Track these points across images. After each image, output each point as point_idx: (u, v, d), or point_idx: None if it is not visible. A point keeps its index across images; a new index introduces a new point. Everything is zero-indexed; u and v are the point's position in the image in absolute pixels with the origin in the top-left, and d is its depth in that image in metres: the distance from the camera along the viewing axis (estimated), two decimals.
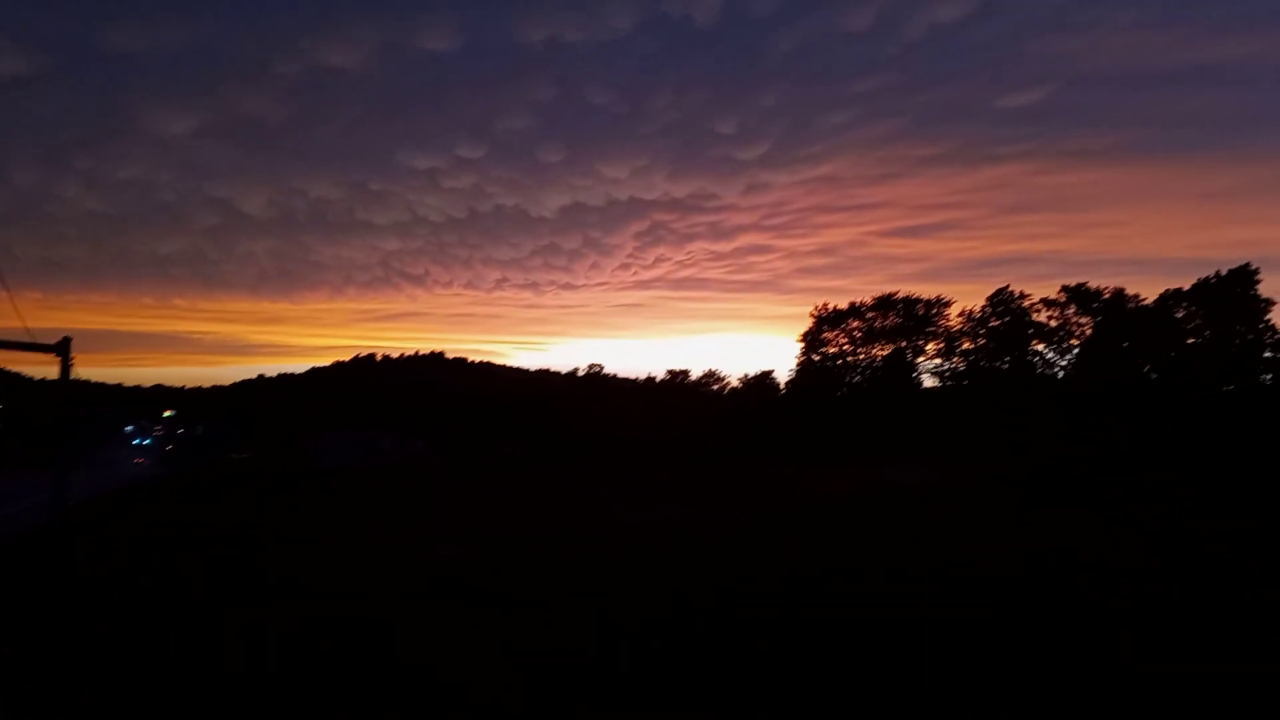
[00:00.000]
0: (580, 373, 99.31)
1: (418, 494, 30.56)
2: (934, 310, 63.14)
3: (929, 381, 62.55)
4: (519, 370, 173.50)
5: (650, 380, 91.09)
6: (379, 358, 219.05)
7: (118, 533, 20.98)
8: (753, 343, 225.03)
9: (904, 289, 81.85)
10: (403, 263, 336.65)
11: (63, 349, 22.05)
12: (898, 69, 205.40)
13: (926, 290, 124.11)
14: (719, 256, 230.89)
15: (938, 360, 61.93)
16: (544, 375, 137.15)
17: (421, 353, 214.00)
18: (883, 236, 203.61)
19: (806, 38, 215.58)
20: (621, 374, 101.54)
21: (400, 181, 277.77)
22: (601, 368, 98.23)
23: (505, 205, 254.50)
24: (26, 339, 22.07)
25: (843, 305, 66.41)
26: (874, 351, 64.39)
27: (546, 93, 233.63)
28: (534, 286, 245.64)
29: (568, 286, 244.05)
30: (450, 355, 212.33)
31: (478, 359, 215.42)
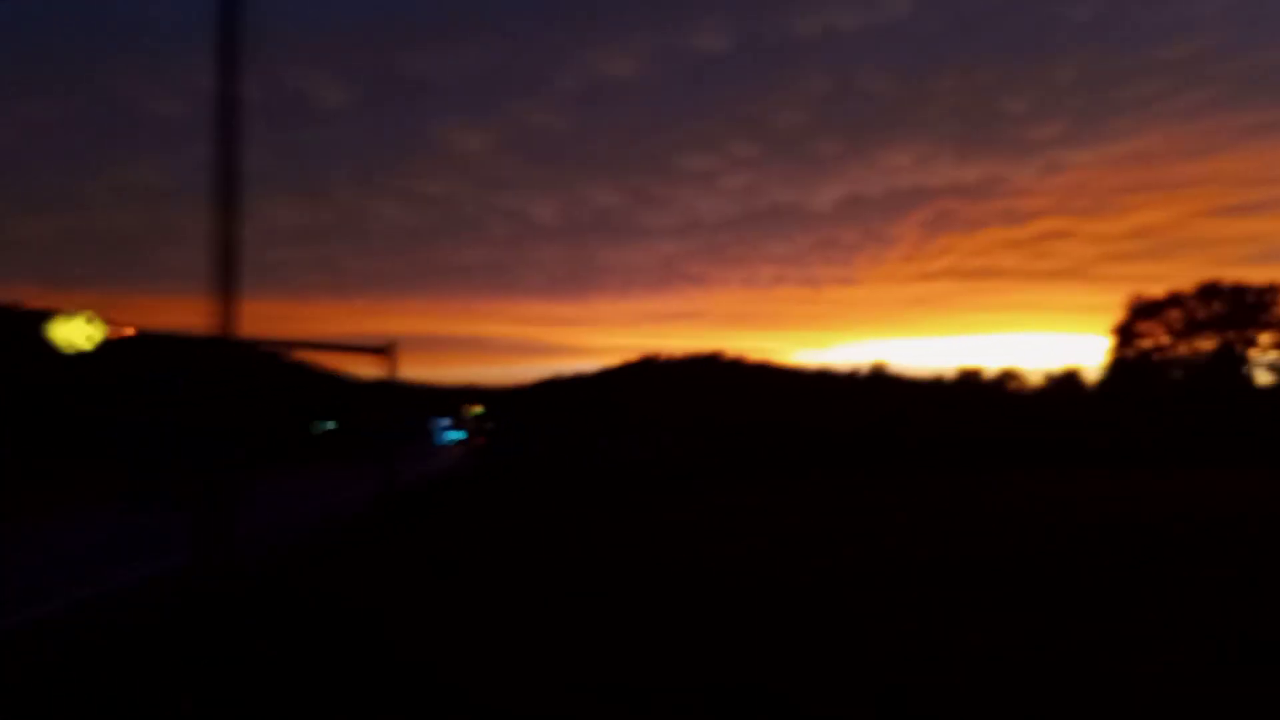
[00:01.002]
0: (861, 372, 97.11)
1: (715, 495, 30.74)
2: (1267, 298, 55.84)
3: (1264, 378, 55.16)
4: (796, 369, 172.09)
5: (939, 380, 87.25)
6: (660, 358, 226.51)
7: (451, 515, 23.14)
8: (1053, 338, 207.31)
9: (1230, 275, 73.73)
10: (682, 264, 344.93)
11: (388, 351, 24.82)
12: (1213, 30, 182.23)
13: (1257, 276, 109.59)
14: (1014, 243, 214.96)
15: (1275, 354, 54.62)
16: (822, 375, 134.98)
17: (700, 353, 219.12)
18: (1203, 217, 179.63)
19: (1105, 5, 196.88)
20: (906, 373, 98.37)
21: (679, 184, 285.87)
22: (884, 366, 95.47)
23: (781, 202, 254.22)
24: (358, 343, 25.23)
25: (1159, 294, 60.05)
26: (1197, 345, 57.58)
27: (822, 84, 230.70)
28: (811, 283, 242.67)
29: (847, 281, 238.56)
30: (727, 355, 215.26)
31: (755, 358, 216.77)
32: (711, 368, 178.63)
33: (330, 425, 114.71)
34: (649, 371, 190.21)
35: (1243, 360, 55.27)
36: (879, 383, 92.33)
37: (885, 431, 63.33)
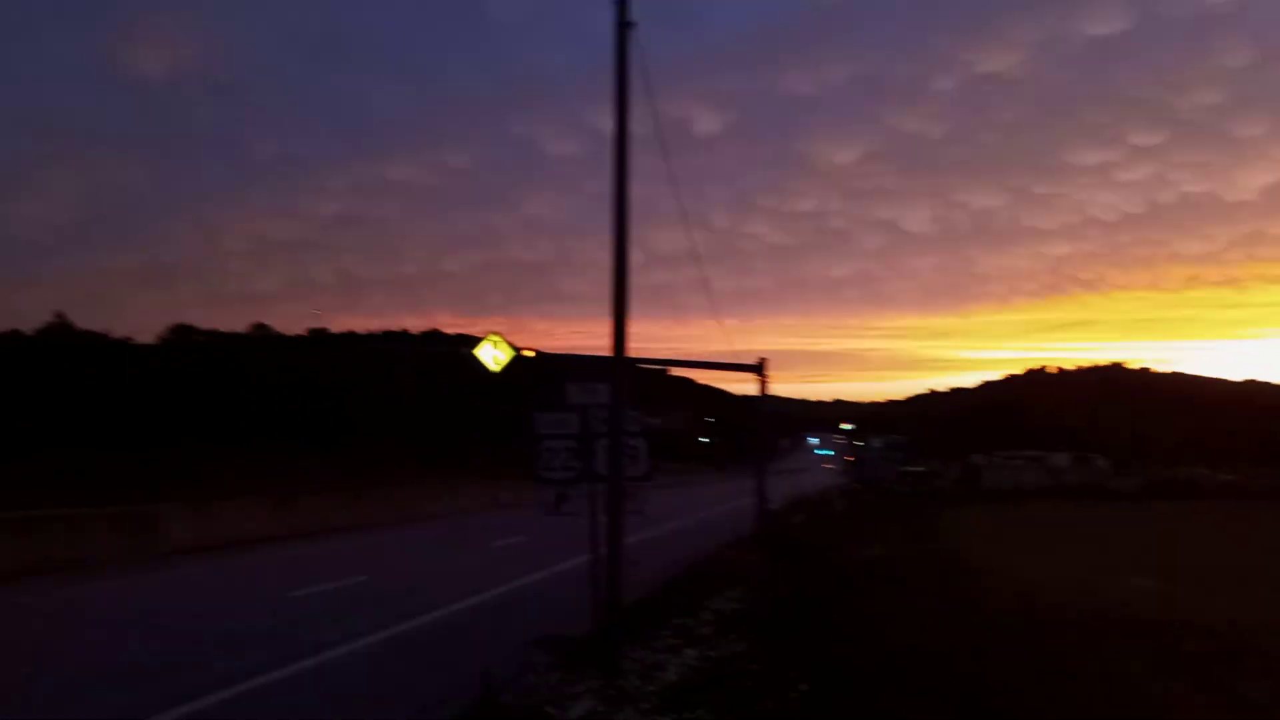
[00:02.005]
0: None
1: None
2: None
3: None
4: (1216, 381, 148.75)
5: None
6: (1051, 370, 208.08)
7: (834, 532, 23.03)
8: None
9: None
10: (1073, 267, 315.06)
11: (759, 369, 25.22)
12: None
13: None
14: None
15: None
16: (1251, 387, 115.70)
17: (1096, 364, 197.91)
18: None
19: None
20: None
21: (1067, 181, 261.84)
22: None
23: (1193, 193, 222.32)
24: (731, 360, 25.87)
25: None
26: None
27: (1239, 57, 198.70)
28: (1234, 282, 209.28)
29: None
30: (1129, 365, 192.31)
31: (1162, 368, 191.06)
32: (1111, 380, 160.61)
33: (707, 440, 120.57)
34: (1036, 385, 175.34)
35: None
36: None
37: None
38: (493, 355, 19.48)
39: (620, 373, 8.75)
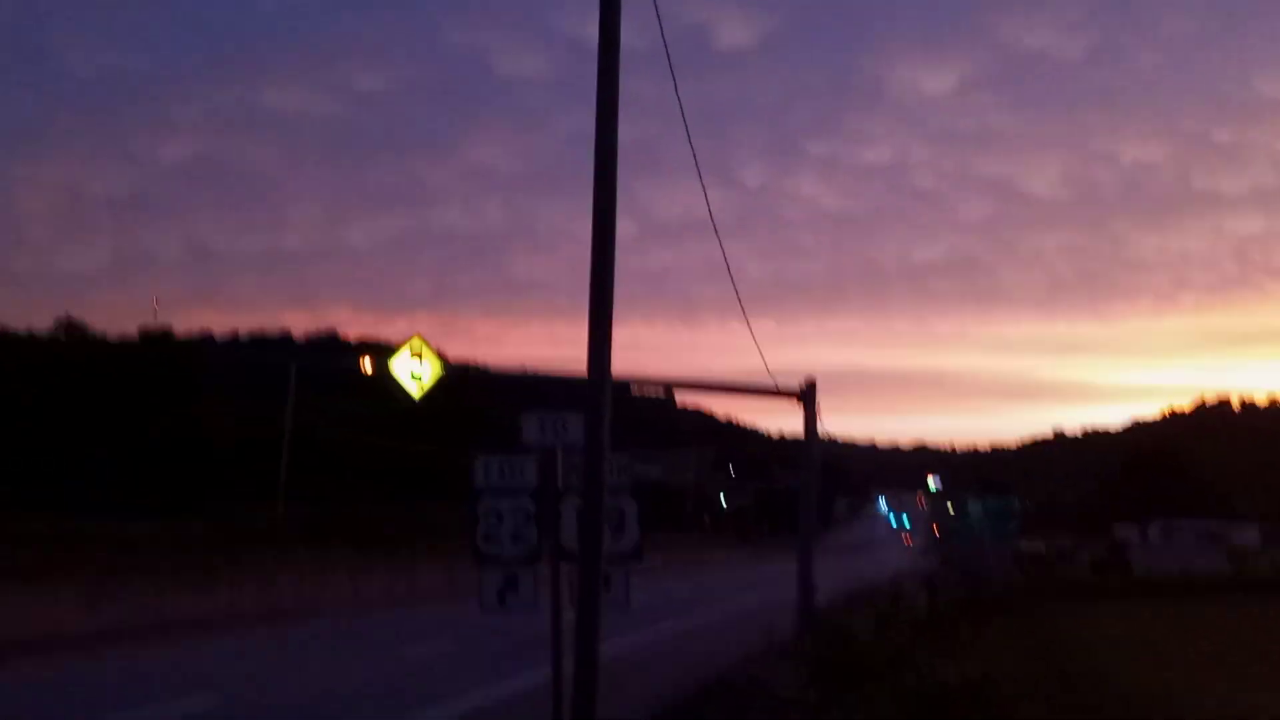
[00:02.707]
0: None
1: None
2: None
3: None
4: None
5: None
6: (1238, 404, 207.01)
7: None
8: None
9: None
10: (1269, 251, 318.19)
11: (806, 396, 25.16)
12: None
13: None
14: None
15: None
16: None
17: None
18: None
19: None
20: None
21: (1263, 123, 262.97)
22: None
23: None
24: (765, 384, 25.82)
25: None
26: None
27: None
28: None
29: None
30: None
31: None
32: None
33: (723, 501, 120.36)
34: (1211, 426, 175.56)
35: None
36: None
37: None
38: (413, 371, 19.36)
39: (601, 400, 8.66)
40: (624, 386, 28.34)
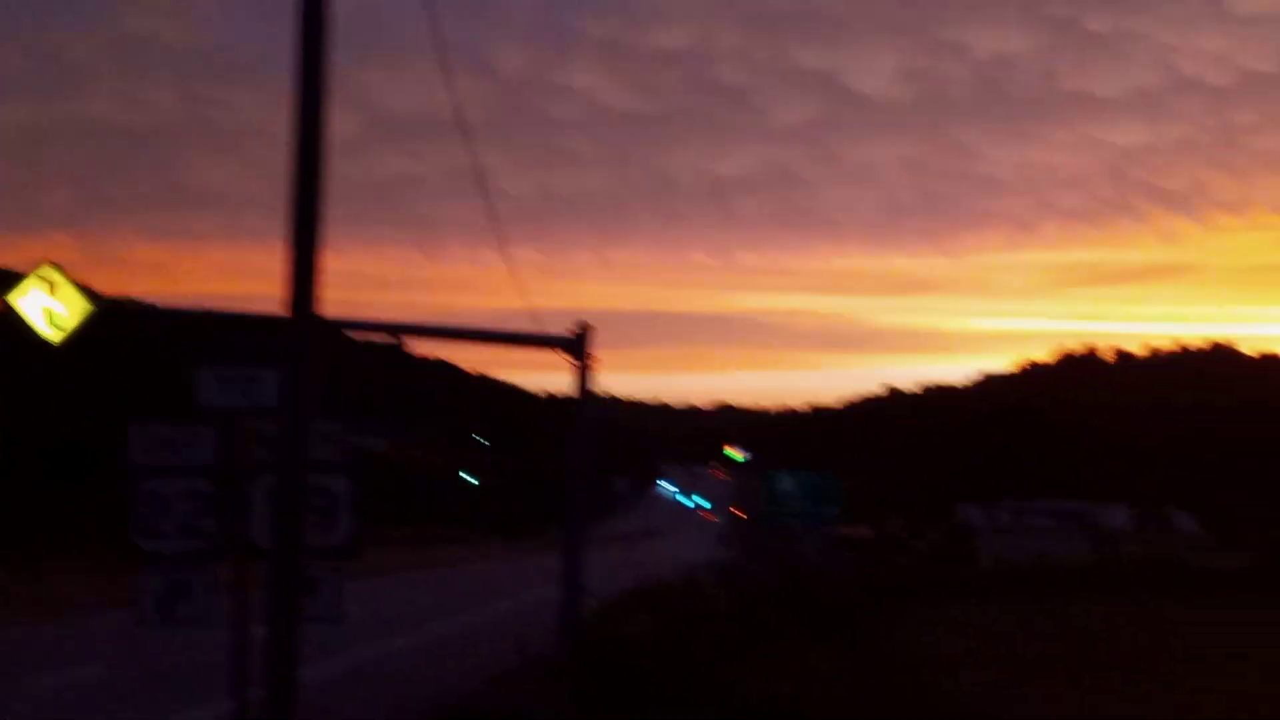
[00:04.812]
0: None
1: None
2: None
3: None
4: None
5: None
6: (1105, 355, 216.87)
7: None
8: None
9: None
10: (1149, 171, 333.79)
11: (577, 345, 25.32)
12: None
13: None
14: None
15: None
16: None
17: (1185, 346, 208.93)
18: None
19: None
20: None
21: (1146, 10, 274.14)
22: None
23: None
24: (527, 330, 25.87)
25: None
26: None
27: None
28: None
29: None
30: (1240, 348, 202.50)
31: None
32: (1208, 374, 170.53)
33: (472, 479, 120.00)
34: (1077, 383, 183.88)
35: None
36: None
37: None
38: (47, 309, 18.66)
39: (304, 349, 8.55)
40: (339, 332, 27.92)
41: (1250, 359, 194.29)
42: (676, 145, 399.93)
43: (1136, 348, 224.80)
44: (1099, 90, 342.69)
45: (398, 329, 30.56)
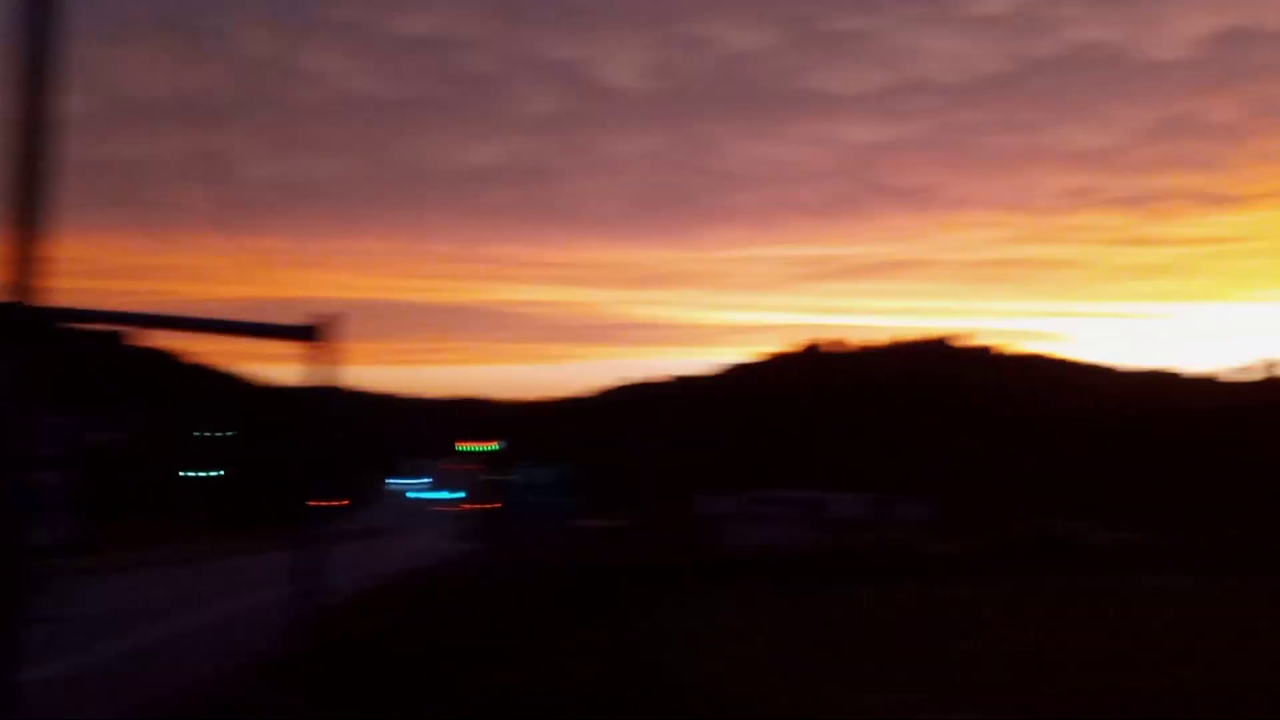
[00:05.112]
0: (1244, 376, 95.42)
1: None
2: None
3: None
4: (1109, 371, 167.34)
5: None
6: (845, 347, 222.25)
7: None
8: None
9: None
10: (882, 166, 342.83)
11: (316, 334, 24.93)
12: None
13: None
14: None
15: None
16: (1158, 380, 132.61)
17: (915, 338, 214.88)
18: None
19: None
20: None
21: (882, 11, 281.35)
22: None
23: (1089, 42, 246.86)
24: (263, 319, 25.37)
25: None
26: None
27: None
28: (1142, 203, 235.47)
29: (1215, 201, 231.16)
30: (961, 344, 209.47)
31: (1018, 349, 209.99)
32: (933, 364, 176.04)
33: (214, 472, 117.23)
34: (814, 372, 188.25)
35: None
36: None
37: None
38: None
39: (14, 334, 8.32)
40: (51, 318, 27.00)
41: (979, 350, 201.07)
42: (423, 133, 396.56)
43: (873, 340, 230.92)
44: (836, 88, 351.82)
45: (115, 316, 29.66)
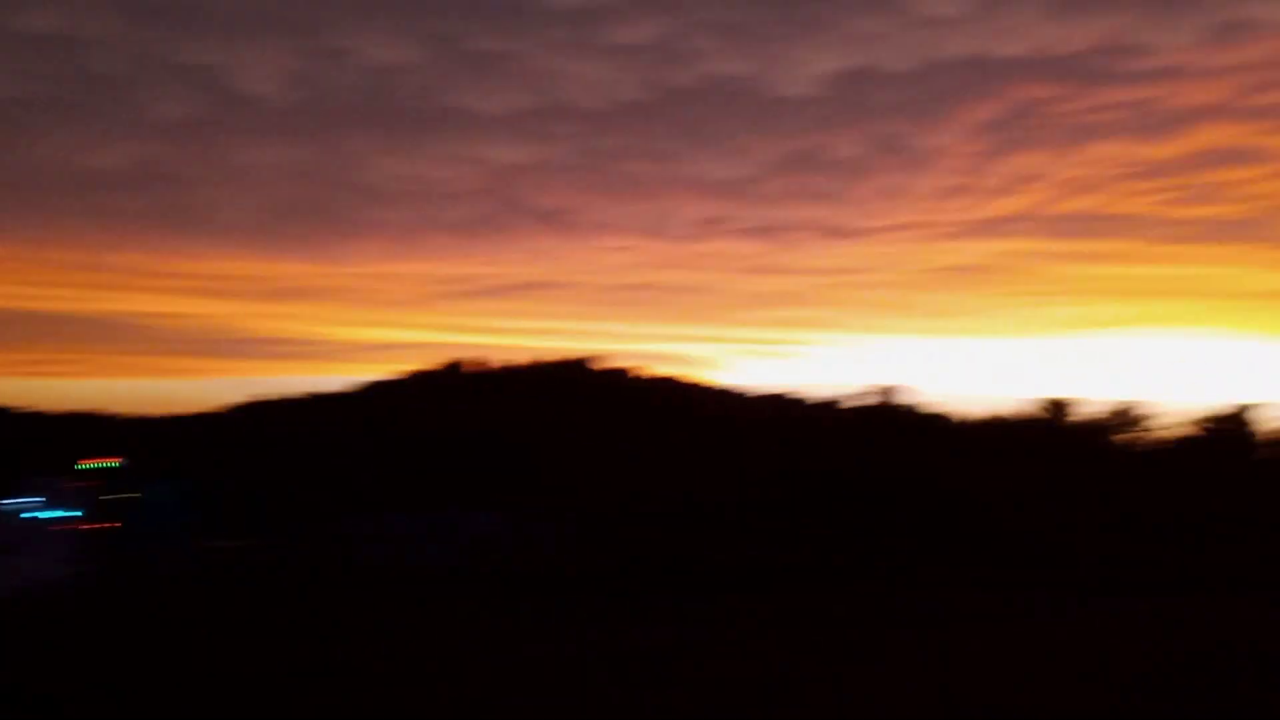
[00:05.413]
0: (860, 401, 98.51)
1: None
2: None
3: None
4: (739, 395, 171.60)
5: (1002, 422, 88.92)
6: (487, 366, 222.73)
7: None
8: (1216, 346, 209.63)
9: None
10: (524, 189, 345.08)
11: None
12: None
13: None
14: (1149, 170, 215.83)
15: None
16: (783, 404, 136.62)
17: (550, 359, 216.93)
18: None
19: None
20: (942, 403, 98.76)
21: (526, 34, 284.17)
22: (898, 393, 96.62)
23: (724, 75, 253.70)
24: None
25: None
26: None
27: None
28: (771, 233, 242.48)
29: (837, 233, 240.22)
30: (598, 365, 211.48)
31: (653, 371, 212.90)
32: (571, 385, 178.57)
33: None
34: (452, 391, 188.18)
35: None
36: (889, 423, 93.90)
37: (921, 507, 64.25)
38: None
39: None
40: None
41: (617, 372, 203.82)
42: (45, 135, 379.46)
43: (515, 360, 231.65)
44: (480, 107, 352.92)
45: None
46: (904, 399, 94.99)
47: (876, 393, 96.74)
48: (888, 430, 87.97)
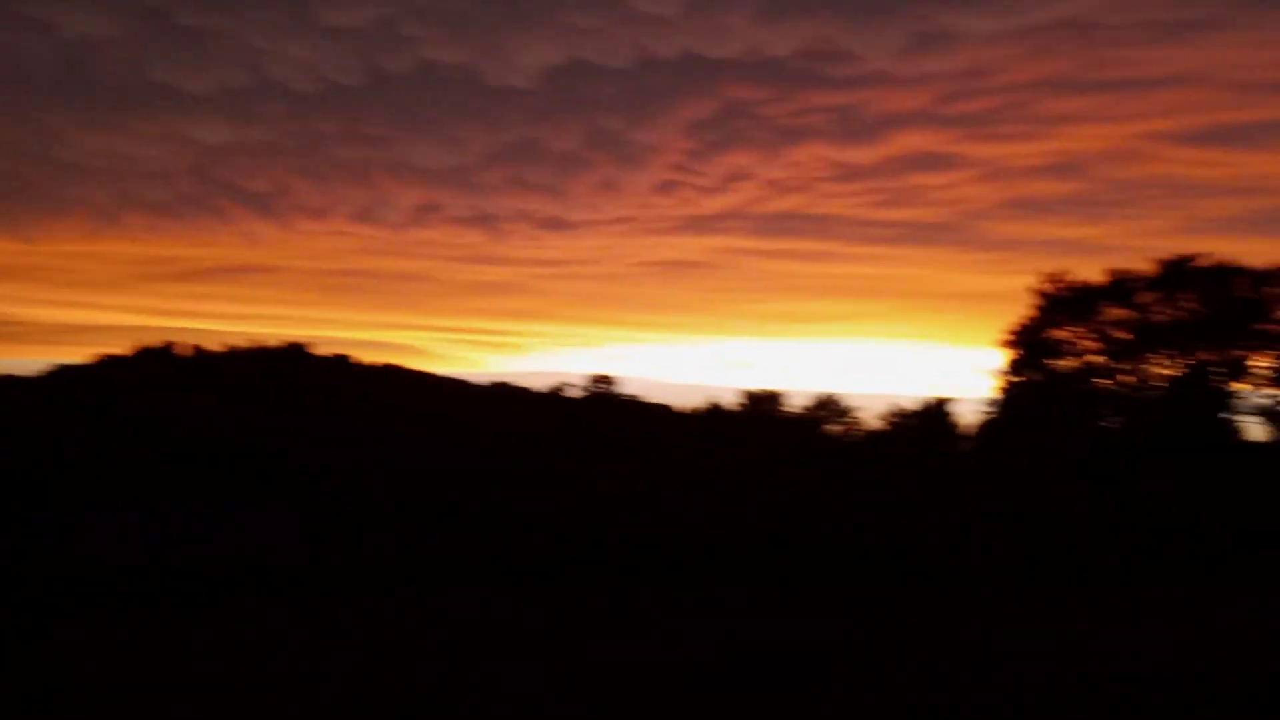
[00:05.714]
0: (573, 391, 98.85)
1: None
2: (1270, 288, 61.86)
3: (1260, 429, 61.60)
4: (455, 381, 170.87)
5: (711, 411, 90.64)
6: (185, 350, 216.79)
7: None
8: (907, 348, 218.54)
9: (1216, 246, 78.72)
10: (233, 170, 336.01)
11: None
12: None
13: (1257, 251, 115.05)
14: (852, 173, 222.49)
15: (1276, 389, 61.24)
16: (504, 393, 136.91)
17: (268, 343, 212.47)
18: (1176, 143, 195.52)
19: None
20: (653, 394, 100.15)
21: (237, 12, 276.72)
22: (615, 382, 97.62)
23: (440, 63, 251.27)
24: None
25: (1095, 276, 65.73)
26: (1153, 367, 63.49)
27: None
28: (488, 222, 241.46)
29: (556, 224, 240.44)
30: (319, 351, 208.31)
31: (376, 359, 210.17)
32: (290, 369, 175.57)
33: None
34: (161, 374, 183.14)
35: (1226, 396, 60.57)
36: (604, 412, 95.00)
37: (623, 507, 65.55)
38: None
39: None
40: None
41: (324, 359, 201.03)
42: None
43: (216, 344, 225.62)
44: (186, 85, 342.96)
45: None
46: (621, 389, 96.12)
47: (595, 382, 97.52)
48: (609, 420, 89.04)
